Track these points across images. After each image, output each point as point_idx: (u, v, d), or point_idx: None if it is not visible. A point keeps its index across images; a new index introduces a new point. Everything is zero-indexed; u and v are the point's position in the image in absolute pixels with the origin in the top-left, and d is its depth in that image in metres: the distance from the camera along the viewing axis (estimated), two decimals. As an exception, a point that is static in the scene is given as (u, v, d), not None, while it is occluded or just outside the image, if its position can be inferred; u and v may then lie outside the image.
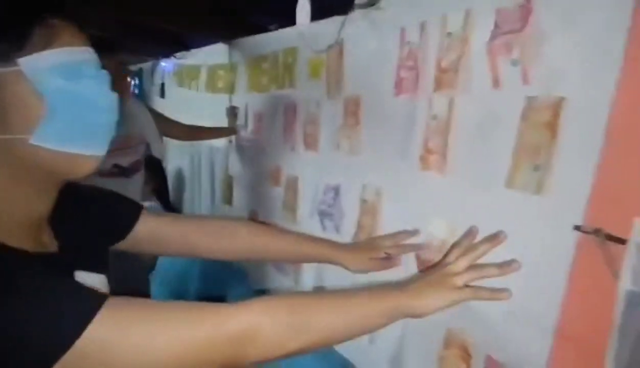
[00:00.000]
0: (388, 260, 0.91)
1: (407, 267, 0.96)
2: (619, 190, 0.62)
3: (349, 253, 0.88)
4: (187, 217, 0.90)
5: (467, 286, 0.67)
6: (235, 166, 1.81)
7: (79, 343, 0.40)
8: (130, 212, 0.73)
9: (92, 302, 0.44)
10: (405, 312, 0.64)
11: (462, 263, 0.69)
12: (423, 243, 0.90)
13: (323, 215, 1.25)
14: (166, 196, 2.28)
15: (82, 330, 0.41)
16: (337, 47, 1.14)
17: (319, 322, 0.57)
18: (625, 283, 0.60)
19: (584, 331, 0.66)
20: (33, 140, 0.47)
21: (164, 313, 0.49)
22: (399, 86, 0.96)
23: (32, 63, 0.46)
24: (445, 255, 0.74)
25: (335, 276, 1.22)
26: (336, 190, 1.21)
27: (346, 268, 0.88)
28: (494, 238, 0.70)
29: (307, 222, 1.33)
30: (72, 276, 0.56)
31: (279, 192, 1.48)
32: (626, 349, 0.60)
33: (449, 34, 0.83)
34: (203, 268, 1.76)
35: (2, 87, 0.46)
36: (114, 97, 0.53)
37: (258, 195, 1.65)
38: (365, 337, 1.12)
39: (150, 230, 0.73)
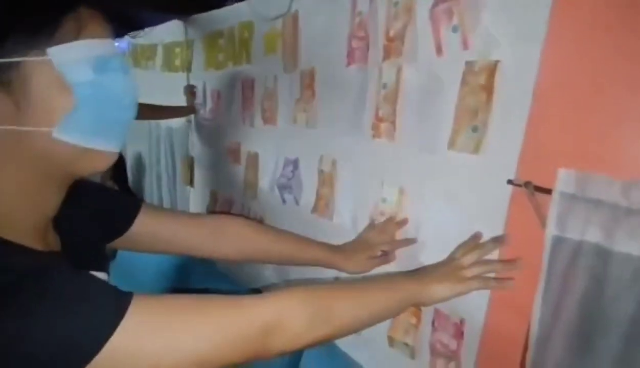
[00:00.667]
0: (384, 257, 0.92)
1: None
2: (546, 145, 0.67)
3: (345, 256, 0.89)
4: (186, 215, 0.86)
5: (475, 277, 0.72)
6: (196, 146, 1.79)
7: (108, 347, 0.40)
8: (129, 208, 0.71)
9: (119, 303, 0.42)
10: (417, 301, 0.69)
11: (470, 258, 0.74)
12: (415, 238, 0.90)
13: (283, 188, 1.27)
14: (125, 180, 2.22)
15: (109, 335, 0.40)
16: (292, 19, 1.14)
17: (341, 312, 0.58)
18: (551, 229, 0.65)
19: (517, 276, 0.72)
20: (56, 134, 0.45)
21: (194, 309, 0.47)
22: (350, 56, 0.98)
23: (61, 53, 0.43)
24: (453, 252, 0.79)
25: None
26: (295, 164, 1.22)
27: (344, 271, 0.90)
28: (498, 240, 0.74)
29: (267, 196, 1.34)
30: None
31: (239, 168, 1.48)
32: (553, 288, 0.66)
33: (396, 3, 0.86)
34: (179, 262, 1.73)
35: (28, 77, 0.43)
36: (137, 93, 0.51)
37: (219, 173, 1.65)
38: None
39: (148, 227, 0.71)
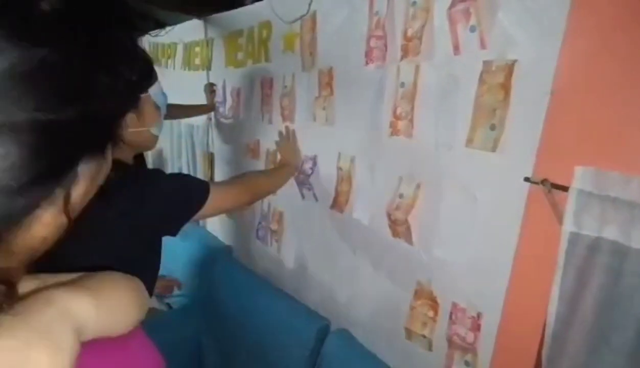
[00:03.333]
0: None
1: (380, 231, 1.03)
2: (563, 142, 0.68)
3: None
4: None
5: None
6: (216, 142, 1.84)
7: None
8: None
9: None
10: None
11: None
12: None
13: (302, 184, 1.30)
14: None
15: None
16: (310, 20, 1.16)
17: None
18: (568, 226, 0.66)
19: (534, 272, 0.74)
20: (152, 130, 0.89)
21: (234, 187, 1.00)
22: (369, 55, 1.00)
23: (153, 89, 0.86)
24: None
25: (313, 241, 1.28)
26: (314, 160, 1.25)
27: None
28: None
29: (287, 192, 1.37)
30: None
31: (259, 164, 1.52)
32: (569, 284, 0.68)
33: (414, 3, 0.87)
34: (189, 245, 1.80)
35: (141, 103, 0.85)
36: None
37: (239, 169, 1.68)
38: (344, 298, 1.19)
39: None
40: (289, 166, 1.26)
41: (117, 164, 0.61)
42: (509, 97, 0.73)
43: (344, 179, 1.14)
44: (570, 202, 0.66)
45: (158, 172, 0.84)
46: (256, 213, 1.58)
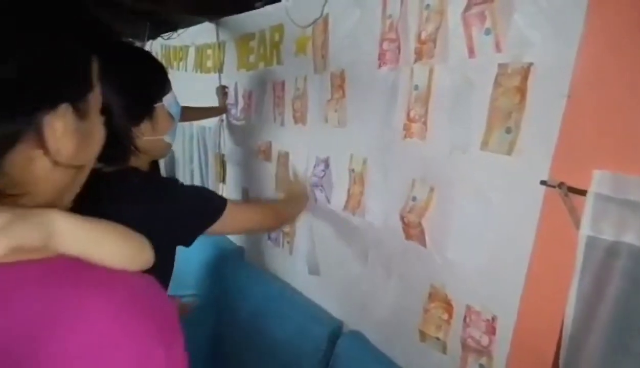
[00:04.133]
0: None
1: (393, 233, 1.03)
2: (580, 146, 0.68)
3: None
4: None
5: None
6: (227, 144, 1.85)
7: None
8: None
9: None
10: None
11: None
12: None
13: (314, 186, 1.30)
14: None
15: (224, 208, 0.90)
16: (322, 22, 1.17)
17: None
18: (585, 230, 0.66)
19: (550, 275, 0.73)
20: (166, 138, 0.91)
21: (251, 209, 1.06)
22: (382, 58, 1.00)
23: (167, 98, 0.89)
24: None
25: (326, 243, 1.28)
26: (326, 163, 1.26)
27: None
28: None
29: (299, 194, 1.38)
30: None
31: (270, 167, 1.53)
32: (587, 288, 0.67)
33: (427, 6, 0.88)
34: (202, 247, 1.81)
35: (155, 112, 0.86)
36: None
37: (251, 171, 1.70)
38: (357, 299, 1.20)
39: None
40: (303, 196, 1.31)
41: (133, 171, 0.62)
42: (525, 100, 0.73)
43: (357, 181, 1.15)
44: (588, 206, 0.65)
45: (174, 182, 0.86)
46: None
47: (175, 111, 0.92)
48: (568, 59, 0.67)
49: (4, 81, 0.33)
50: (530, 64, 0.72)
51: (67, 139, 0.38)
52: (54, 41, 0.36)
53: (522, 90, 0.73)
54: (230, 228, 0.94)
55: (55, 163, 0.38)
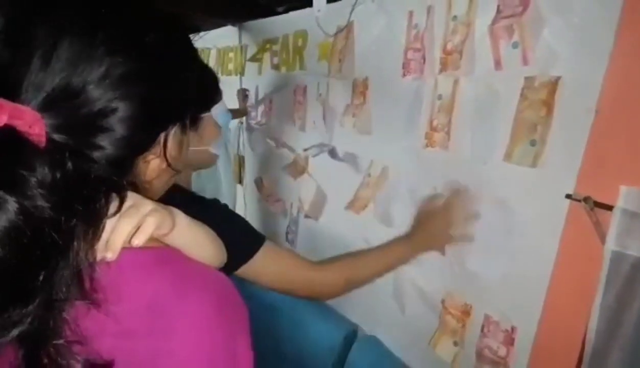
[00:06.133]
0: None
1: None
2: (607, 161, 0.68)
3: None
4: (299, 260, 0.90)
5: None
6: (247, 146, 1.88)
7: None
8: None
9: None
10: (409, 260, 0.96)
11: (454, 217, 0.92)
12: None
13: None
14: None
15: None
16: (346, 30, 1.18)
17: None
18: (610, 245, 0.66)
19: (573, 288, 0.74)
20: (212, 149, 0.89)
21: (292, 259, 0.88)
22: (406, 67, 1.01)
23: (215, 109, 0.87)
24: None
25: (344, 250, 1.30)
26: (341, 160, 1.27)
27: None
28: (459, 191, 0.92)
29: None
30: None
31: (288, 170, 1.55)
32: (611, 302, 0.67)
33: (455, 17, 0.88)
34: None
35: (202, 122, 0.84)
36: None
37: (268, 172, 1.72)
38: (373, 304, 1.20)
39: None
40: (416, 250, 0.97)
41: (175, 189, 0.63)
42: (552, 114, 0.73)
43: (370, 185, 1.16)
44: (614, 221, 0.66)
45: (216, 204, 0.79)
46: (286, 218, 1.60)
47: (223, 121, 0.89)
48: (597, 74, 0.67)
49: (156, 101, 0.39)
50: (558, 78, 0.72)
51: (177, 145, 0.45)
52: (195, 64, 0.47)
53: (548, 104, 0.74)
54: (264, 272, 0.79)
55: (167, 166, 0.43)
